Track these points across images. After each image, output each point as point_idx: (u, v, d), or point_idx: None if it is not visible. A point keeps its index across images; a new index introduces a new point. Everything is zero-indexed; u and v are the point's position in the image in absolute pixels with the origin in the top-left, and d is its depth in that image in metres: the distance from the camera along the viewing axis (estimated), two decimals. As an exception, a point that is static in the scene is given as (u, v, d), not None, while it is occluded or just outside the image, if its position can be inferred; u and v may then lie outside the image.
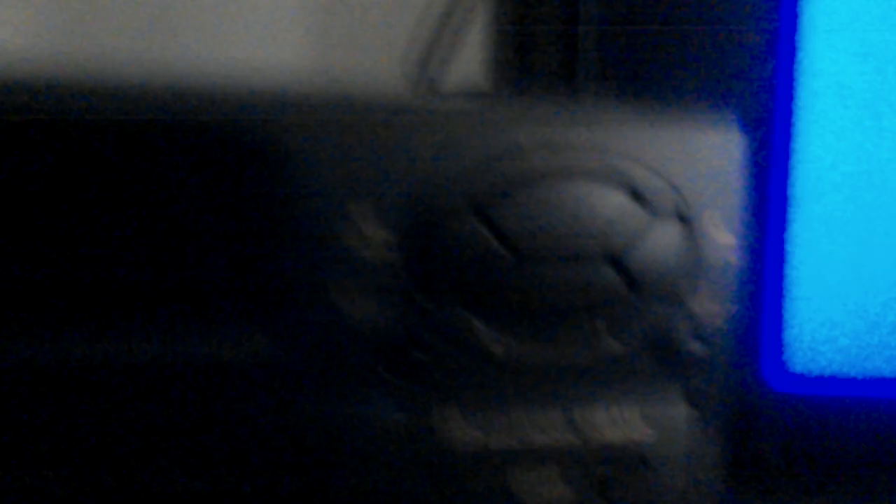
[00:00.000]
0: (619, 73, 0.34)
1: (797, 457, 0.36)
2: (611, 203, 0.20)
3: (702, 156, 0.21)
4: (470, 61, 0.47)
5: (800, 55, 0.32)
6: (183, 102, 0.18)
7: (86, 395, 0.18)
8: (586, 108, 0.22)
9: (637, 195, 0.21)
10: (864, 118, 0.32)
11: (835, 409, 0.35)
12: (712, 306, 0.21)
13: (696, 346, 0.21)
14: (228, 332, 0.19)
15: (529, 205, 0.20)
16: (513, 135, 0.20)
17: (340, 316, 0.19)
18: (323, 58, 0.60)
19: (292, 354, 0.19)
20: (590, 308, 0.20)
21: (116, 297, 0.18)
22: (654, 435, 0.22)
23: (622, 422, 0.21)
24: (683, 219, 0.21)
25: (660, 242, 0.21)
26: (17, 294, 0.18)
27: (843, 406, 0.35)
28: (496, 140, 0.20)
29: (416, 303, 0.20)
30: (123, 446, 0.18)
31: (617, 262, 0.20)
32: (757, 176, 0.32)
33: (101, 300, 0.18)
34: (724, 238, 0.21)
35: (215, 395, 0.19)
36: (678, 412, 0.22)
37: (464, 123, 0.20)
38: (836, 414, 0.35)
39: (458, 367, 0.20)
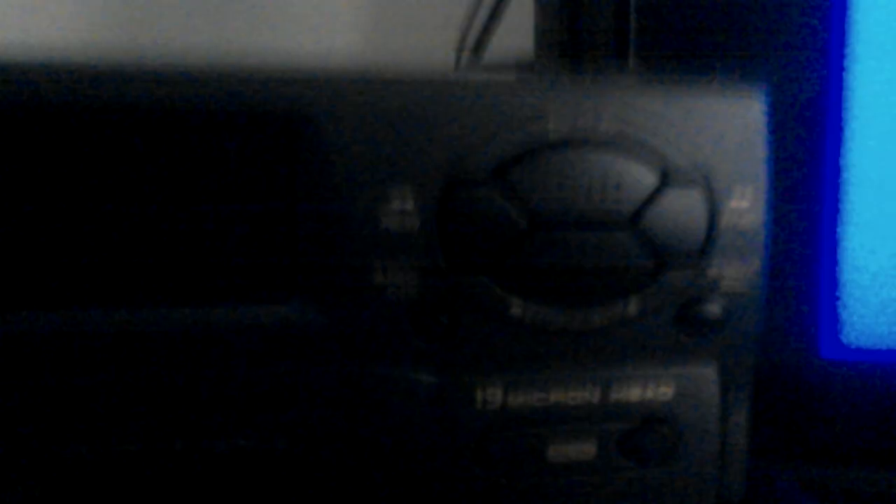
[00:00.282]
0: (667, 45, 0.34)
1: (845, 426, 0.36)
2: (626, 169, 0.21)
3: (722, 124, 0.22)
4: (516, 33, 0.48)
5: (851, 32, 0.32)
6: (228, 85, 0.20)
7: (136, 352, 0.20)
8: (607, 77, 0.22)
9: (652, 161, 0.21)
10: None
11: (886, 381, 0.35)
12: (731, 270, 0.22)
13: (715, 309, 0.22)
14: (275, 299, 0.20)
15: (549, 173, 0.21)
16: (529, 104, 0.21)
17: (373, 284, 0.21)
18: (376, 43, 0.62)
19: (332, 319, 0.21)
20: (610, 272, 0.21)
21: (178, 265, 0.20)
22: (675, 394, 0.22)
23: (643, 381, 0.22)
24: (701, 185, 0.22)
25: (678, 208, 0.21)
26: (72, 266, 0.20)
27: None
28: (513, 109, 0.21)
29: (441, 270, 0.21)
30: (170, 400, 0.20)
31: (635, 226, 0.21)
32: (810, 153, 0.32)
33: (166, 267, 0.20)
34: (742, 204, 0.22)
35: (262, 355, 0.20)
36: (700, 372, 0.23)
37: (487, 95, 0.21)
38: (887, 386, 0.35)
39: (482, 331, 0.21)
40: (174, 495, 0.20)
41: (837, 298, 0.34)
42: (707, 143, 0.22)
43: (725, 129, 0.22)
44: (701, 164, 0.22)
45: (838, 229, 0.33)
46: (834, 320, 0.34)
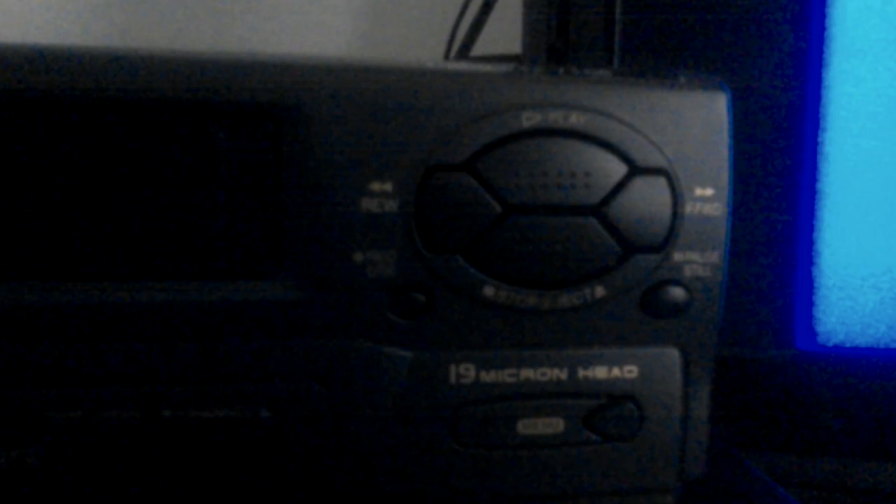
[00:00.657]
0: (652, 46, 0.35)
1: (819, 417, 0.37)
2: (594, 158, 0.22)
3: (687, 118, 0.23)
4: (504, 26, 0.49)
5: (829, 24, 0.33)
6: (216, 72, 0.21)
7: (128, 324, 0.21)
8: (578, 72, 0.23)
9: (619, 151, 0.22)
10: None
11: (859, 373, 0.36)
12: (694, 257, 0.23)
13: (678, 294, 0.23)
14: (261, 275, 0.22)
15: (518, 160, 0.22)
16: (505, 95, 0.22)
17: (354, 264, 0.22)
18: (371, 39, 0.63)
19: (315, 296, 0.22)
20: (578, 257, 0.22)
21: (172, 243, 0.21)
22: (640, 374, 0.24)
23: (609, 361, 0.23)
24: (666, 176, 0.23)
25: (643, 197, 0.23)
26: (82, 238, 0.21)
27: (865, 370, 0.36)
28: (489, 99, 0.22)
29: (418, 252, 0.22)
30: (159, 371, 0.21)
31: (602, 213, 0.22)
32: (789, 151, 0.33)
33: (163, 245, 0.21)
34: (705, 194, 0.23)
35: (249, 328, 0.22)
36: (663, 354, 0.24)
37: (463, 86, 0.22)
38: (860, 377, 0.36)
39: (456, 309, 0.22)
40: (162, 460, 0.22)
41: (813, 292, 0.35)
42: (672, 135, 0.23)
43: (690, 122, 0.23)
44: (666, 155, 0.23)
45: (815, 225, 0.34)
46: (809, 313, 0.35)
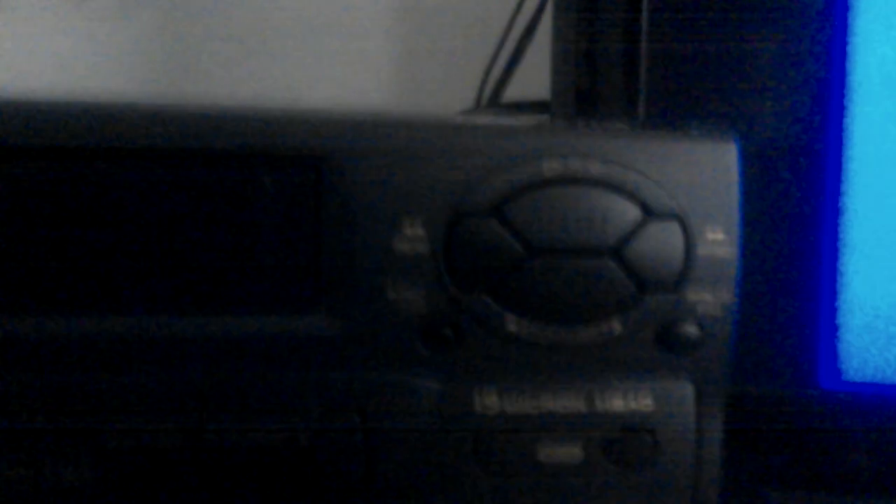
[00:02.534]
0: (676, 91, 0.37)
1: (842, 455, 0.37)
2: (612, 204, 0.24)
3: (699, 166, 0.25)
4: (534, 73, 0.51)
5: (850, 71, 0.34)
6: (264, 127, 0.23)
7: (176, 360, 0.23)
8: (596, 123, 0.25)
9: (635, 197, 0.24)
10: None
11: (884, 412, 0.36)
12: (706, 296, 0.25)
13: (691, 330, 0.25)
14: (302, 311, 0.23)
15: (540, 206, 0.24)
16: (528, 145, 0.24)
17: (388, 301, 0.24)
18: (404, 84, 0.65)
19: (350, 330, 0.24)
20: (596, 295, 0.24)
21: (222, 280, 0.23)
22: (655, 406, 0.25)
23: (626, 393, 0.25)
24: (679, 220, 0.24)
25: (657, 240, 0.24)
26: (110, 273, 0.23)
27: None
28: (513, 150, 0.24)
29: (447, 290, 0.24)
30: (207, 400, 0.23)
31: (619, 255, 0.24)
32: (811, 189, 0.34)
33: (215, 281, 0.23)
34: (716, 237, 0.25)
35: (289, 360, 0.23)
36: (677, 387, 0.25)
37: (490, 137, 0.24)
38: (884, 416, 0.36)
39: (483, 345, 0.24)
40: (206, 485, 0.23)
41: (837, 331, 0.36)
42: (685, 182, 0.24)
43: (702, 170, 0.24)
44: (679, 201, 0.24)
45: (838, 263, 0.35)
46: (833, 352, 0.36)
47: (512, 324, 0.24)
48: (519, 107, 0.52)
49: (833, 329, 0.35)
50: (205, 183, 0.23)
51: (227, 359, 0.23)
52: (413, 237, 0.23)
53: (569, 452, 0.25)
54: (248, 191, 0.23)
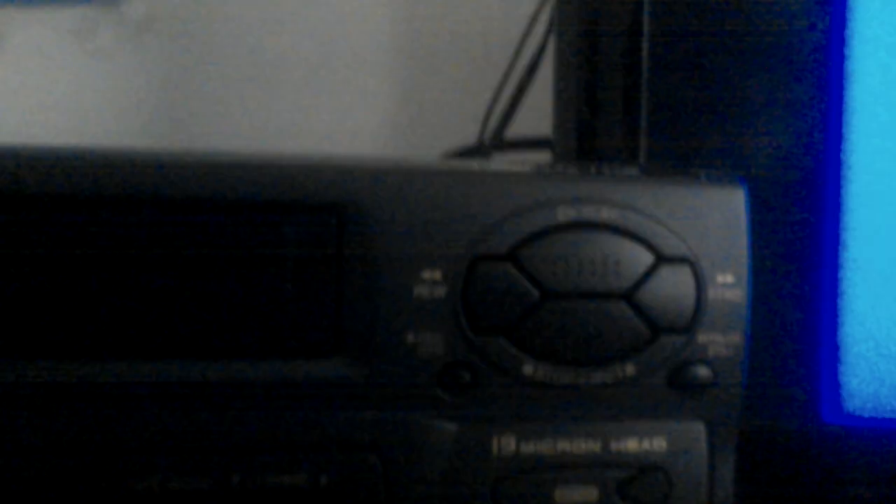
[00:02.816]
0: (676, 129, 0.38)
1: (846, 490, 0.37)
2: (624, 249, 0.25)
3: (709, 211, 0.25)
4: (536, 111, 0.51)
5: (848, 106, 0.35)
6: (288, 177, 0.24)
7: (202, 402, 0.23)
8: (608, 170, 0.26)
9: (647, 242, 0.25)
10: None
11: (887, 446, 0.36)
12: (717, 338, 0.25)
13: (703, 372, 0.25)
14: (322, 354, 0.24)
15: (555, 250, 0.24)
16: (542, 192, 0.24)
17: (407, 345, 0.24)
18: (405, 121, 0.65)
19: (370, 373, 0.24)
20: (609, 338, 0.25)
21: (242, 327, 0.23)
22: (668, 446, 0.25)
23: (639, 434, 0.25)
24: (690, 264, 0.25)
25: (669, 284, 0.25)
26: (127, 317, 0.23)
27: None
28: (528, 196, 0.24)
29: (464, 333, 0.24)
30: (233, 441, 0.23)
31: (631, 299, 0.25)
32: (810, 226, 0.35)
33: (239, 327, 0.23)
34: (726, 280, 0.25)
35: (311, 402, 0.24)
36: (690, 428, 0.26)
37: (504, 185, 0.25)
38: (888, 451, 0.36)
39: (499, 387, 0.25)
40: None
41: (839, 365, 0.36)
42: (695, 228, 0.25)
43: (711, 215, 0.25)
44: (690, 245, 0.25)
45: (839, 298, 0.36)
46: (836, 387, 0.36)
47: (528, 366, 0.24)
48: (521, 144, 0.53)
49: (835, 363, 0.36)
50: (229, 231, 0.23)
51: (251, 401, 0.23)
52: (431, 282, 0.24)
53: (585, 493, 0.25)
54: (271, 238, 0.23)
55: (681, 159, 0.35)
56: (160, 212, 0.23)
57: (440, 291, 0.24)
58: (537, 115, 0.51)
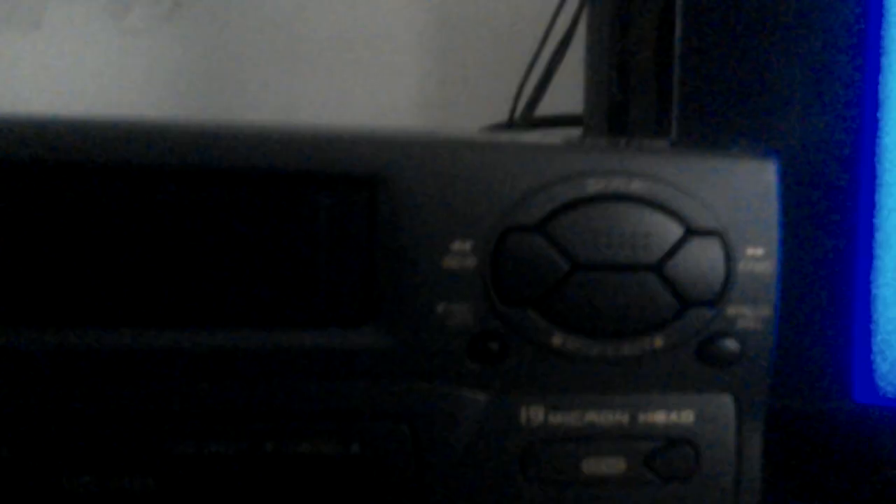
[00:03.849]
0: (710, 102, 0.37)
1: (877, 469, 0.37)
2: (654, 221, 0.25)
3: (740, 184, 0.25)
4: (567, 88, 0.51)
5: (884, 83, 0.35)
6: (323, 147, 0.24)
7: (237, 370, 0.24)
8: (639, 142, 0.26)
9: (677, 214, 0.25)
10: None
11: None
12: (746, 311, 0.25)
13: (732, 345, 0.25)
14: (354, 324, 0.24)
15: (584, 222, 0.24)
16: (572, 164, 0.25)
17: (437, 315, 0.24)
18: (437, 98, 0.65)
19: (400, 343, 0.24)
20: (638, 310, 0.25)
21: (277, 296, 0.24)
22: (696, 419, 0.26)
23: (667, 406, 0.25)
24: (720, 237, 0.25)
25: (699, 257, 0.25)
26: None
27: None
28: (558, 168, 0.24)
29: (494, 305, 0.24)
30: (267, 409, 0.24)
31: (661, 271, 0.25)
32: (845, 203, 0.35)
33: (267, 296, 0.24)
34: (756, 253, 0.25)
35: (343, 371, 0.24)
36: (718, 401, 0.26)
37: (536, 156, 0.25)
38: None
39: (528, 358, 0.25)
40: (263, 490, 0.24)
41: (871, 343, 0.36)
42: (726, 200, 0.25)
43: (742, 188, 0.25)
44: (720, 218, 0.25)
45: (872, 278, 0.35)
46: (868, 366, 0.36)
47: (556, 338, 0.25)
48: (552, 121, 0.53)
49: (868, 343, 0.35)
50: (264, 202, 0.24)
51: (284, 370, 0.24)
52: (462, 254, 0.24)
53: (612, 464, 0.25)
54: (304, 210, 0.24)
55: (712, 137, 0.35)
56: (195, 182, 0.24)
57: (470, 262, 0.24)
58: (569, 92, 0.51)
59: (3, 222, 0.23)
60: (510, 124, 0.54)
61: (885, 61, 0.34)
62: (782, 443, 0.31)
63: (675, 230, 0.25)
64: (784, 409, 0.33)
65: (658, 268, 0.25)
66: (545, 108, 0.53)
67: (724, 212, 0.25)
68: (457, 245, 0.24)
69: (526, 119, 0.53)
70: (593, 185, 0.25)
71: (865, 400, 0.36)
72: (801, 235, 0.34)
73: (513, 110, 0.55)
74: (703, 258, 0.25)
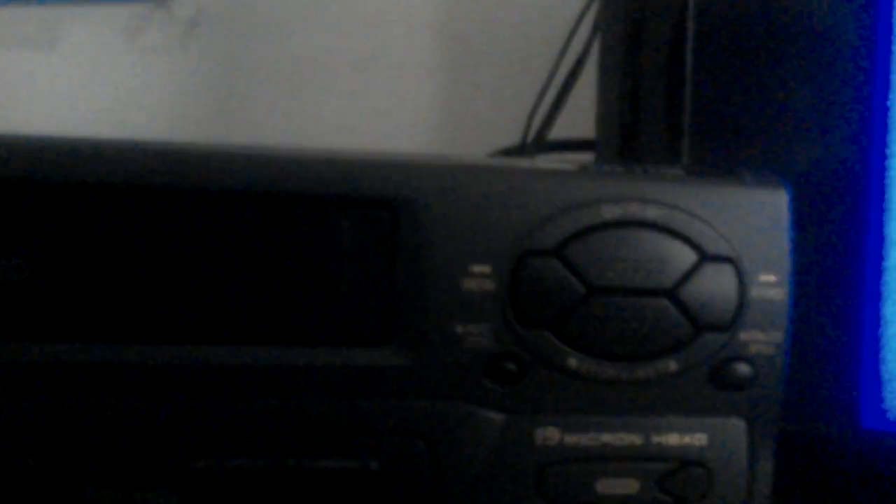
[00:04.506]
0: (719, 128, 0.38)
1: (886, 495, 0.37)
2: (668, 247, 0.25)
3: (752, 211, 0.26)
4: (580, 114, 0.52)
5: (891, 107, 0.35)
6: (344, 173, 0.24)
7: (260, 388, 0.24)
8: (653, 170, 0.26)
9: (691, 241, 0.25)
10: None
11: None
12: (759, 336, 0.26)
13: (744, 369, 0.26)
14: (375, 343, 0.25)
15: (600, 247, 0.25)
16: (588, 190, 0.25)
17: (456, 336, 0.25)
18: (449, 123, 0.66)
19: (420, 362, 0.25)
20: (653, 334, 0.25)
21: (299, 315, 0.24)
22: (709, 441, 0.26)
23: (681, 428, 0.26)
24: (733, 263, 0.25)
25: (712, 282, 0.25)
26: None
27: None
28: (575, 194, 0.25)
29: (511, 326, 0.25)
30: (289, 424, 0.24)
31: (675, 296, 0.25)
32: (853, 229, 0.35)
33: (290, 315, 0.24)
34: (768, 279, 0.26)
35: (364, 389, 0.25)
36: (730, 424, 0.26)
37: (553, 182, 0.25)
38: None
39: (544, 379, 0.25)
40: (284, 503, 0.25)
41: (880, 369, 0.36)
42: (738, 228, 0.26)
43: (755, 215, 0.26)
44: (733, 245, 0.26)
45: (881, 303, 0.36)
46: (877, 390, 0.36)
47: (572, 359, 0.25)
48: (564, 145, 0.54)
49: (876, 369, 0.36)
50: (287, 224, 0.24)
51: (306, 387, 0.24)
52: (480, 275, 0.25)
53: (625, 485, 0.26)
54: (327, 232, 0.24)
55: (723, 162, 0.36)
56: (220, 205, 0.24)
57: (489, 285, 0.25)
58: (580, 117, 0.51)
59: (50, 243, 0.23)
60: (522, 147, 0.54)
61: (892, 87, 0.34)
62: (789, 467, 0.31)
63: (689, 256, 0.25)
64: (792, 435, 0.34)
65: (672, 293, 0.25)
66: (556, 132, 0.54)
67: (738, 239, 0.25)
68: (476, 268, 0.25)
69: (537, 143, 0.54)
70: (609, 211, 0.25)
71: (874, 426, 0.36)
72: (809, 260, 0.34)
73: (525, 134, 0.55)
74: (717, 284, 0.25)
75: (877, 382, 0.35)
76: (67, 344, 0.24)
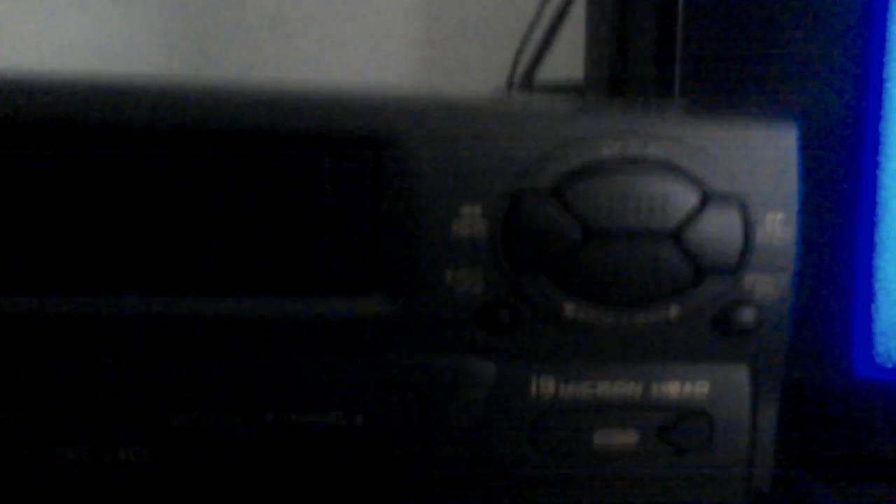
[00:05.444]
0: (711, 69, 0.37)
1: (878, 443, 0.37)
2: (671, 185, 0.24)
3: (758, 151, 0.24)
4: (568, 56, 0.50)
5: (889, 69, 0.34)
6: (327, 109, 0.23)
7: (237, 340, 0.23)
8: (655, 107, 0.25)
9: (695, 179, 0.24)
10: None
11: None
12: (764, 281, 0.24)
13: (748, 315, 0.24)
14: (361, 292, 0.23)
15: (601, 190, 0.23)
16: (587, 126, 0.24)
17: (446, 283, 0.23)
18: (430, 65, 0.64)
19: (408, 312, 0.23)
20: (653, 280, 0.24)
21: (278, 263, 0.23)
22: (711, 391, 0.25)
23: (682, 378, 0.25)
24: (738, 205, 0.24)
25: (716, 225, 0.24)
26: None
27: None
28: (572, 130, 0.23)
29: (504, 272, 0.24)
30: (270, 380, 0.23)
31: (677, 239, 0.24)
32: (847, 176, 0.34)
33: (277, 264, 0.23)
34: (775, 222, 0.24)
35: (349, 340, 0.23)
36: (733, 372, 0.25)
37: (548, 120, 0.24)
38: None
39: (538, 327, 0.24)
40: (265, 462, 0.23)
41: (871, 317, 0.35)
42: (744, 167, 0.24)
43: (761, 155, 0.24)
44: (738, 186, 0.24)
45: (873, 250, 0.35)
46: (868, 339, 0.36)
47: (569, 306, 0.24)
48: (551, 88, 0.52)
49: (868, 316, 0.35)
50: (263, 165, 0.23)
51: (286, 339, 0.23)
52: (471, 219, 0.23)
53: (624, 437, 0.25)
54: (307, 173, 0.23)
55: (715, 104, 0.34)
56: (191, 144, 0.22)
57: (480, 228, 0.23)
58: (567, 59, 0.50)
59: (11, 186, 0.22)
60: (508, 90, 0.53)
61: (889, 37, 0.33)
62: (781, 415, 0.31)
63: (692, 195, 0.24)
64: (784, 383, 0.33)
65: (675, 235, 0.24)
66: (543, 74, 0.52)
67: (745, 177, 0.24)
68: (466, 209, 0.23)
69: (524, 85, 0.52)
70: (609, 148, 0.24)
71: (866, 374, 0.35)
72: (802, 206, 0.33)
73: (511, 76, 0.53)
74: (722, 225, 0.24)
75: (869, 330, 0.35)
76: (34, 296, 0.22)
